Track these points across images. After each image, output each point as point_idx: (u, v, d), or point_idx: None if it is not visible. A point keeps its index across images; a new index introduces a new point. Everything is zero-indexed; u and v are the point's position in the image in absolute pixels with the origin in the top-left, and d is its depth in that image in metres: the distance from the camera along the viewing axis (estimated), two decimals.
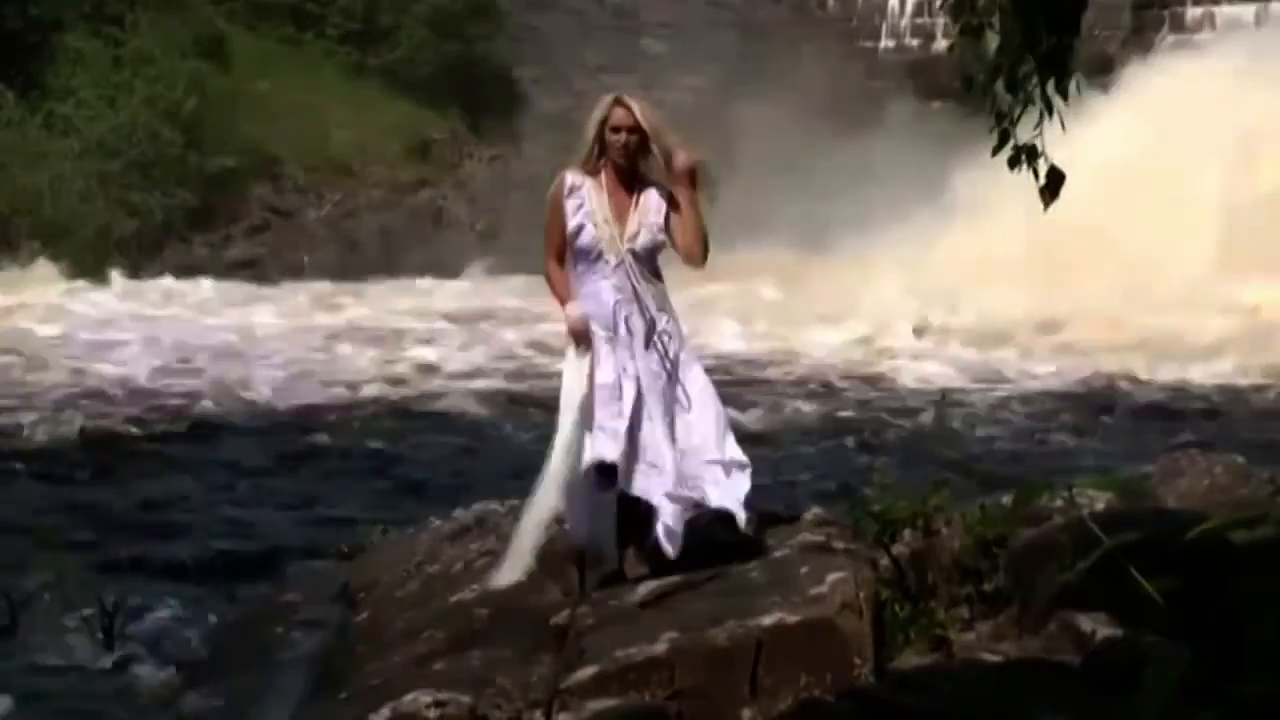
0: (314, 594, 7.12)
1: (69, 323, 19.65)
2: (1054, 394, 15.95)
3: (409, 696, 5.08)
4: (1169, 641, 3.80)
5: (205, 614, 7.82)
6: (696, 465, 5.81)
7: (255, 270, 24.44)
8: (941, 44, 28.10)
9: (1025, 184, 4.77)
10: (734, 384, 15.98)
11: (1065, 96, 4.64)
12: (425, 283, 23.90)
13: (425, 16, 29.28)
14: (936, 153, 21.28)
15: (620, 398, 5.73)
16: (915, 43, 30.21)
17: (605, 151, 5.86)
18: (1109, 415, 14.78)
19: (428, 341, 19.20)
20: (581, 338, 5.82)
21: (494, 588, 5.89)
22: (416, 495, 10.85)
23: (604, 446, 5.70)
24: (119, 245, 23.12)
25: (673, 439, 5.78)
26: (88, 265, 22.44)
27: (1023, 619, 5.35)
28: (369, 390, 15.90)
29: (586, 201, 5.84)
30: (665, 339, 5.86)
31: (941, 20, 28.29)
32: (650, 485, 5.70)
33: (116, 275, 22.59)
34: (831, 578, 5.37)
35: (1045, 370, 17.25)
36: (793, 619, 5.12)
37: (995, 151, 4.73)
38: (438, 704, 5.02)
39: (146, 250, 23.39)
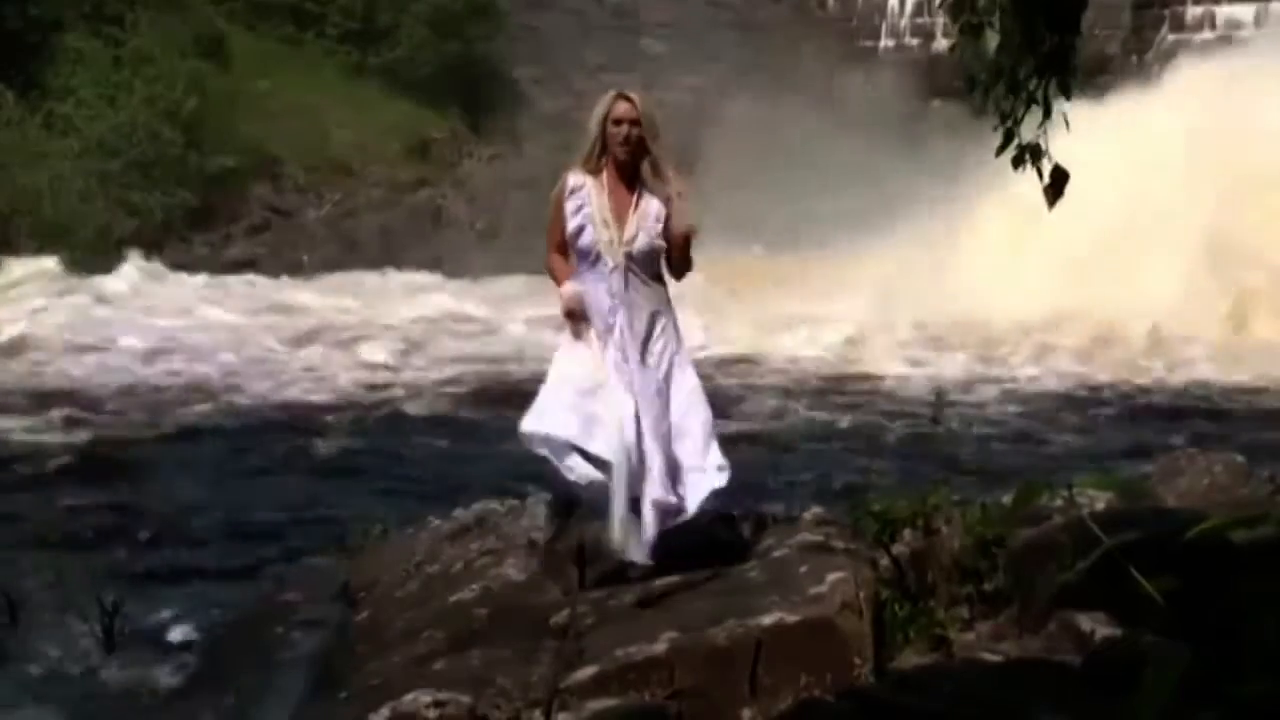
0: (314, 594, 7.12)
1: (69, 323, 19.63)
2: (1054, 394, 15.96)
3: (409, 696, 5.08)
4: (1169, 641, 3.79)
5: (205, 614, 7.82)
6: (680, 470, 5.81)
7: (255, 269, 24.41)
8: (941, 44, 28.13)
9: (1029, 183, 4.77)
10: (734, 384, 16.01)
11: (1068, 96, 4.65)
12: (425, 282, 23.89)
13: (425, 16, 29.29)
14: (936, 152, 21.29)
15: (600, 391, 5.73)
16: (915, 42, 30.24)
17: (607, 148, 5.88)
18: (1109, 415, 14.78)
19: (427, 341, 19.19)
20: (576, 316, 5.84)
21: (633, 561, 5.75)
22: (416, 495, 10.84)
23: (558, 423, 5.67)
24: (119, 245, 23.09)
25: (661, 443, 5.78)
26: (88, 265, 22.43)
27: (1023, 619, 5.35)
28: (369, 390, 15.90)
29: (587, 203, 5.86)
30: (659, 343, 5.87)
31: (941, 20, 28.31)
32: (638, 488, 5.71)
33: (117, 274, 22.55)
34: (831, 577, 5.38)
35: (1045, 370, 17.25)
36: (793, 619, 5.12)
37: (999, 151, 4.74)
38: (437, 704, 5.01)
39: (146, 250, 23.36)
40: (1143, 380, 16.54)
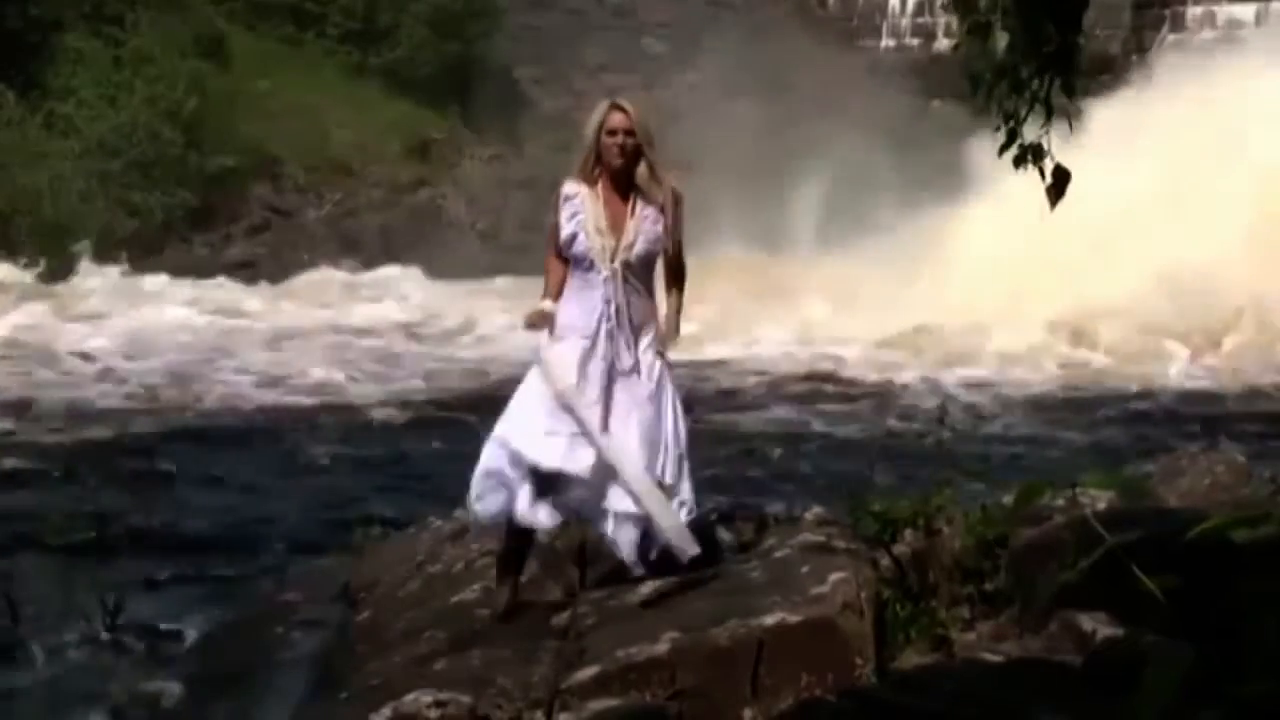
0: (314, 594, 7.13)
1: (68, 323, 19.64)
2: (1054, 394, 15.96)
3: (409, 696, 5.08)
4: (1170, 641, 3.79)
5: (205, 614, 7.82)
6: (648, 485, 5.76)
7: (255, 269, 24.40)
8: (942, 43, 28.15)
9: (1029, 182, 4.77)
10: (734, 383, 16.01)
11: (1071, 95, 4.65)
12: (425, 282, 23.88)
13: (425, 16, 29.29)
14: (936, 152, 21.27)
15: (576, 408, 5.69)
16: (916, 42, 30.24)
17: (602, 158, 5.87)
18: (1109, 415, 14.78)
19: (427, 341, 19.20)
20: (538, 328, 5.81)
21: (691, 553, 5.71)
22: (416, 495, 10.84)
23: (543, 452, 5.66)
24: (119, 245, 23.08)
25: (648, 450, 5.76)
26: (88, 265, 22.43)
27: (1024, 618, 5.34)
28: (368, 389, 15.90)
29: (580, 211, 5.85)
30: (649, 354, 5.85)
31: (942, 19, 28.33)
32: (608, 502, 5.70)
33: (116, 274, 22.55)
34: (833, 577, 5.37)
35: (1046, 370, 17.25)
36: (794, 619, 5.11)
37: (1002, 151, 4.73)
38: (438, 704, 5.01)
39: (146, 250, 23.36)
40: (1143, 380, 16.54)
